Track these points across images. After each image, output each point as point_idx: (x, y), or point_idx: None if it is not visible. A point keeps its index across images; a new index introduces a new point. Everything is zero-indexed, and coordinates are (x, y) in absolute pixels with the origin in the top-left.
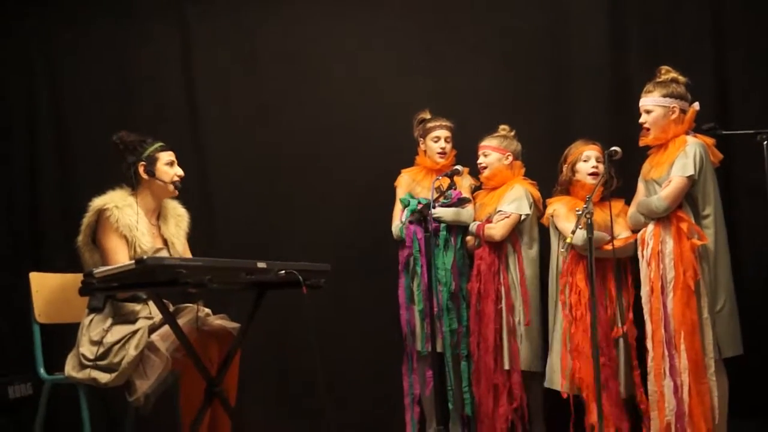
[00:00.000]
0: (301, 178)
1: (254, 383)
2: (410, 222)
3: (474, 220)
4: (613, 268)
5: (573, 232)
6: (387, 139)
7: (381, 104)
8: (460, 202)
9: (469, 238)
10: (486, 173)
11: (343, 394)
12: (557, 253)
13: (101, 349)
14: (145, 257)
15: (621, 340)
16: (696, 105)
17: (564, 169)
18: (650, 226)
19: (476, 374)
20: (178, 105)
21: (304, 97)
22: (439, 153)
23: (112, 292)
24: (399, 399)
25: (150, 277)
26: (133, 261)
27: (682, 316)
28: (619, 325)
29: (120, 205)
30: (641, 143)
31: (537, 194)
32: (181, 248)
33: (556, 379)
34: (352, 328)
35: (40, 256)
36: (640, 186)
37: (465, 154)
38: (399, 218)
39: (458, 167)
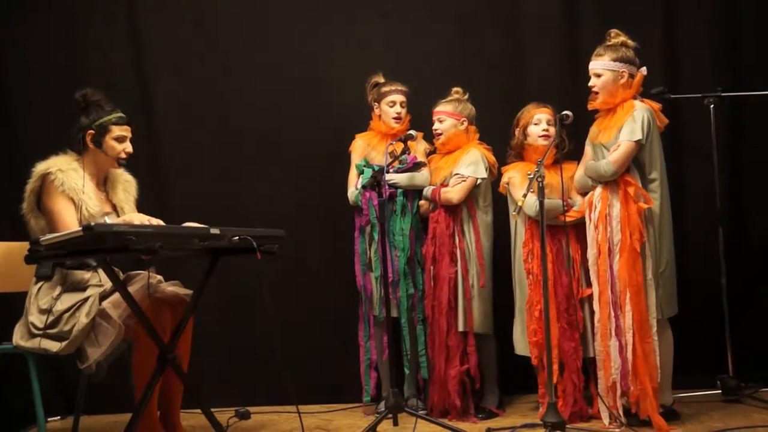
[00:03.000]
0: (257, 143)
1: (209, 349)
2: (365, 188)
3: (429, 185)
4: (575, 232)
5: (524, 196)
6: (342, 104)
7: (336, 69)
8: (416, 166)
9: (422, 202)
10: (441, 139)
11: (301, 360)
12: (515, 220)
13: (51, 318)
14: (92, 223)
15: (586, 303)
16: (644, 70)
17: (516, 132)
18: (598, 190)
19: (431, 336)
20: (126, 70)
21: (258, 61)
22: (394, 118)
23: (58, 260)
24: (356, 364)
25: (99, 244)
26: (80, 228)
27: (628, 278)
28: (584, 287)
29: (64, 169)
30: (590, 107)
31: (492, 159)
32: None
33: (522, 345)
34: (309, 294)
35: None
36: (588, 149)
37: (419, 118)
38: (354, 184)
39: (412, 132)
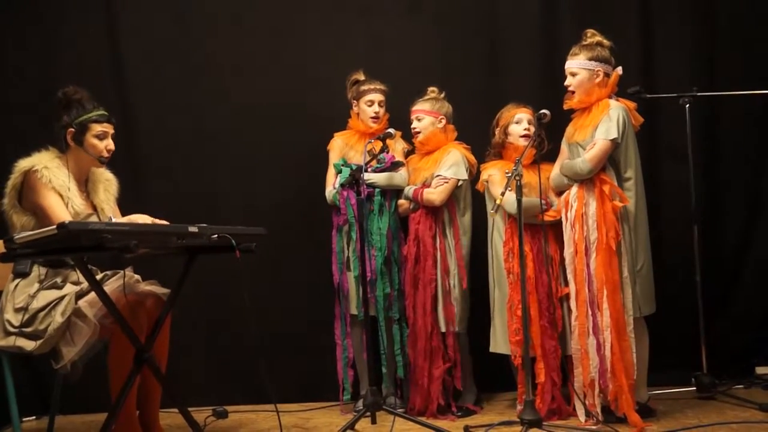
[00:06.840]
0: (234, 141)
1: (187, 348)
2: (343, 187)
3: (408, 185)
4: (554, 231)
5: (502, 194)
6: (321, 103)
7: (314, 67)
8: (394, 166)
9: (402, 202)
10: (420, 138)
11: (278, 358)
12: (492, 218)
13: (26, 316)
14: (66, 222)
15: (564, 302)
16: (619, 69)
17: (496, 132)
18: (574, 189)
19: (411, 337)
20: (103, 68)
21: (237, 59)
22: (372, 117)
23: (33, 258)
24: (333, 363)
25: (74, 243)
26: (54, 226)
27: (604, 276)
28: (562, 286)
29: (49, 166)
30: (565, 106)
31: (472, 159)
32: (110, 213)
33: (501, 344)
34: (286, 292)
35: None
36: (564, 148)
37: (398, 117)
38: (332, 183)
39: (391, 130)
